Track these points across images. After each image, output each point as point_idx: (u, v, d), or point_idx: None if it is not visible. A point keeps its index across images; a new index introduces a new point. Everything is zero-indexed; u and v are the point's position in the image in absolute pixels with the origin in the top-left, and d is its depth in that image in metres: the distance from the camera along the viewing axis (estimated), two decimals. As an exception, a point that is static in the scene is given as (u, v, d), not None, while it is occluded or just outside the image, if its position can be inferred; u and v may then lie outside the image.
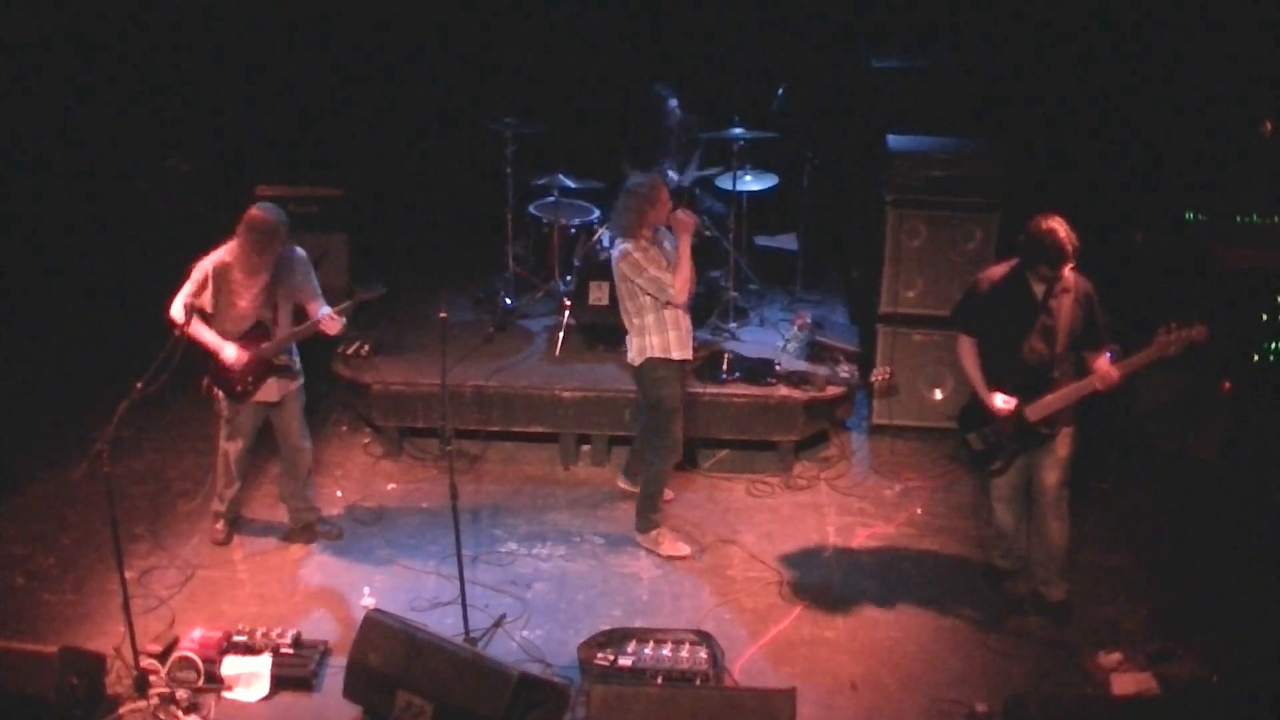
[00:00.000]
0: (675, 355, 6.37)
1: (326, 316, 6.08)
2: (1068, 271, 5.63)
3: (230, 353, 6.06)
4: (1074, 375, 5.77)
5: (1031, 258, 5.64)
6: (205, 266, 6.03)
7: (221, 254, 6.04)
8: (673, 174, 8.23)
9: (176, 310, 5.90)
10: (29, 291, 8.77)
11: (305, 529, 6.68)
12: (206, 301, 6.04)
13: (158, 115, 9.35)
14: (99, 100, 9.19)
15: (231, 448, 6.41)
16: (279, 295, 6.13)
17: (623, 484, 7.18)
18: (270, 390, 6.26)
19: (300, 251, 6.20)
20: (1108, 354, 5.62)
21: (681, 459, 6.80)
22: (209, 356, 6.09)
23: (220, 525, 6.63)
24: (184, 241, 6.42)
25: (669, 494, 6.95)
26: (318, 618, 6.05)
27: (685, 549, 6.62)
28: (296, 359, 6.38)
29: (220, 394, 6.24)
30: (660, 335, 6.33)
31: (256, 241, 5.90)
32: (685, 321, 6.42)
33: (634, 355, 6.44)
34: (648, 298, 6.27)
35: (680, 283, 6.20)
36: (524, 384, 7.51)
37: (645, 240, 6.25)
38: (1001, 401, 5.82)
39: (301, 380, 6.42)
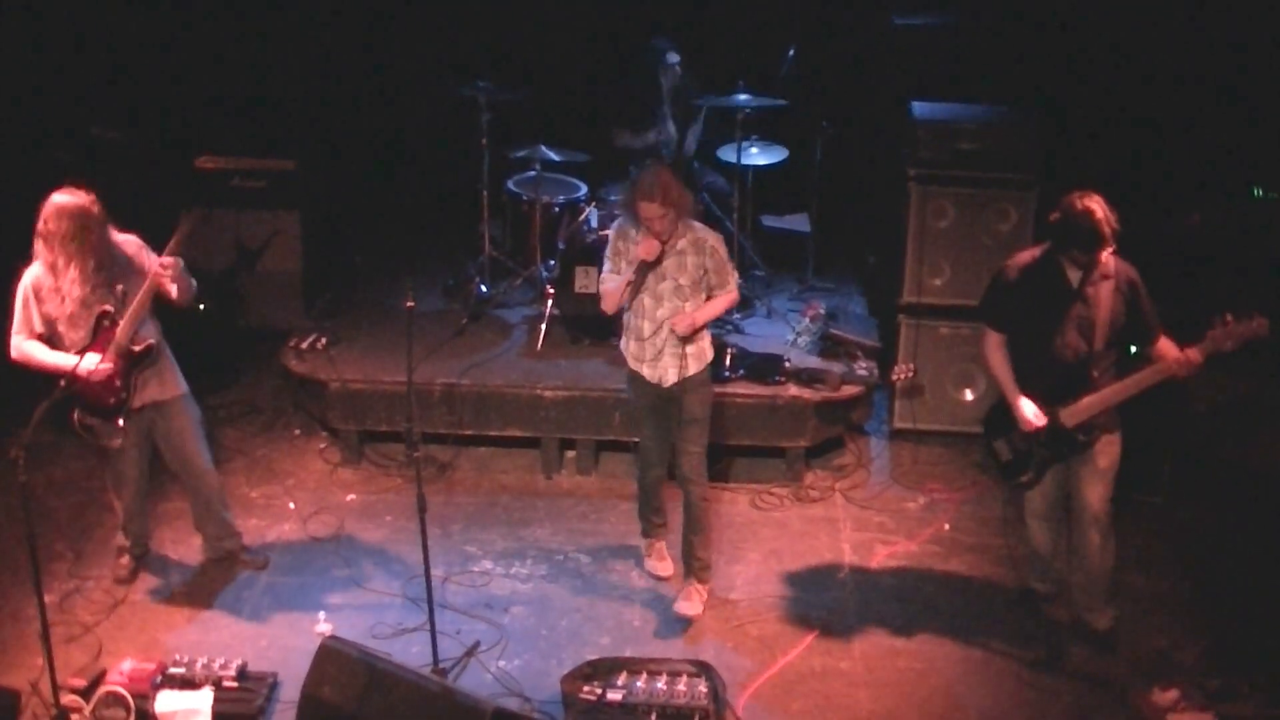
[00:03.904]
0: (630, 365, 6.26)
1: (156, 266, 5.76)
2: (1106, 256, 5.60)
3: (88, 361, 5.79)
4: (1114, 374, 5.72)
5: (1064, 241, 5.62)
6: (23, 289, 5.87)
7: (33, 269, 5.85)
8: (673, 131, 8.32)
9: (16, 350, 5.84)
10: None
11: (225, 558, 6.54)
12: (38, 324, 5.88)
13: (81, 75, 9.21)
14: (8, 57, 9.02)
15: (121, 468, 6.20)
16: (118, 281, 5.87)
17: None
18: (152, 389, 6.04)
19: (132, 239, 5.97)
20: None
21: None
22: (67, 383, 5.70)
23: (125, 560, 6.48)
24: (112, 221, 6.24)
25: (667, 569, 6.60)
26: (265, 646, 6.03)
27: (667, 570, 6.60)
28: (169, 358, 6.13)
29: (97, 423, 5.95)
30: (624, 336, 6.29)
31: (69, 229, 5.69)
32: (658, 341, 6.09)
33: None
34: None
35: (604, 292, 6.16)
36: (500, 382, 7.50)
37: (636, 228, 6.02)
38: (1034, 415, 5.78)
39: (184, 390, 6.18)
